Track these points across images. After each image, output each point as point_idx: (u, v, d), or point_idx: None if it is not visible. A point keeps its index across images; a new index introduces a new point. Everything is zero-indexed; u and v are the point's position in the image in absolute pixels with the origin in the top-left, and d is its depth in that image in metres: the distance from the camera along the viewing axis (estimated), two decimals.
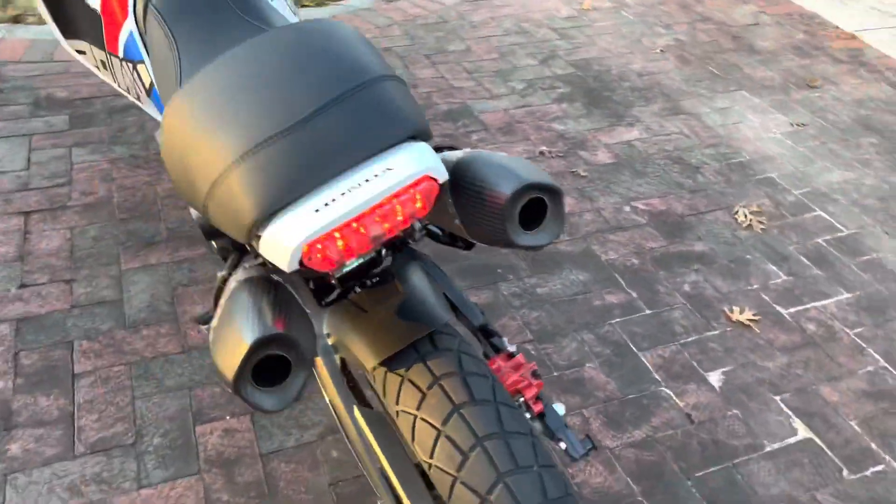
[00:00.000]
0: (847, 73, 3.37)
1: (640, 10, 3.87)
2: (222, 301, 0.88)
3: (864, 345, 1.99)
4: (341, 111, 0.79)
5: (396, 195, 0.77)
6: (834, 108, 3.09)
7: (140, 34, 1.25)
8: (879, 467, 1.67)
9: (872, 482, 1.64)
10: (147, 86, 1.28)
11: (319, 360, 1.19)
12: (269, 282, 0.87)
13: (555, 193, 0.84)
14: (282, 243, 0.76)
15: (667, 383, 1.84)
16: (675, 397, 1.80)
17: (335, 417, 1.23)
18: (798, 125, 2.96)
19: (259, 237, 0.80)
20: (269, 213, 0.77)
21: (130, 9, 1.24)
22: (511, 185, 0.81)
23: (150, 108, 1.36)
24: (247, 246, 1.06)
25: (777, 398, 1.82)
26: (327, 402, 1.39)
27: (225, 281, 1.19)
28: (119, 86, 1.41)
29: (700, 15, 3.87)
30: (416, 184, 0.79)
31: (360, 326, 1.08)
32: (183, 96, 0.87)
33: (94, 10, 1.34)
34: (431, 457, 1.01)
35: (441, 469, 1.00)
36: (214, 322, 0.86)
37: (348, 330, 1.10)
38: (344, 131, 0.78)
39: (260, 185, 0.76)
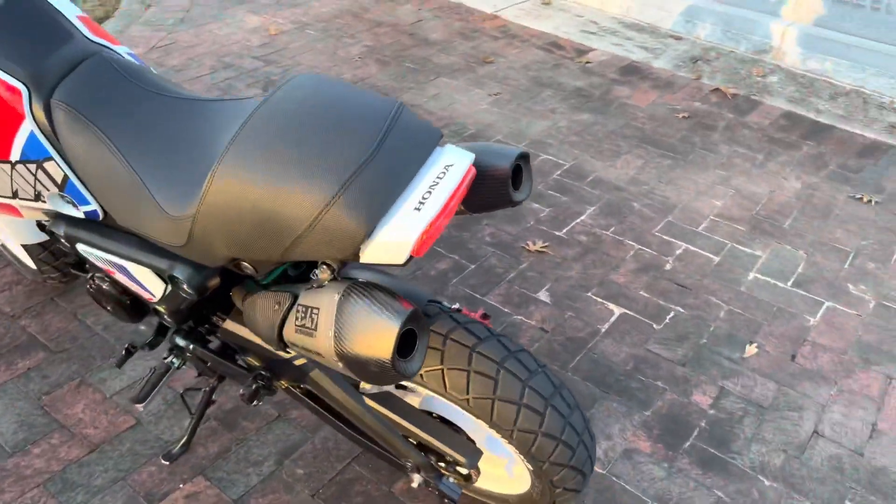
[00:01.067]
0: (505, 45, 4.13)
1: (322, 27, 4.23)
2: (326, 318, 1.03)
3: (620, 238, 2.64)
4: (395, 135, 1.02)
5: (461, 184, 1.02)
6: (511, 75, 3.80)
7: (43, 132, 1.24)
8: (672, 314, 2.30)
9: (674, 325, 2.26)
10: (60, 180, 1.27)
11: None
12: (358, 284, 1.05)
13: (527, 159, 1.15)
14: (399, 241, 0.96)
15: (515, 312, 2.26)
16: (525, 319, 2.23)
17: (343, 411, 1.40)
18: (494, 95, 3.60)
19: (360, 249, 0.98)
20: (375, 224, 0.96)
21: (26, 110, 1.22)
22: (508, 160, 1.11)
23: (56, 203, 1.33)
24: (242, 271, 1.18)
25: (590, 294, 2.36)
26: (310, 407, 1.54)
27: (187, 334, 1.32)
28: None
29: (373, 21, 4.35)
30: (468, 174, 1.04)
31: None
32: (235, 167, 1.00)
33: None
34: (468, 393, 1.28)
35: (479, 398, 1.27)
36: (329, 332, 1.02)
37: None
38: (403, 149, 1.01)
39: (364, 205, 0.95)
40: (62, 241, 1.41)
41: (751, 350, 2.16)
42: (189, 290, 1.25)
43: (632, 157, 3.13)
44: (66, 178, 1.27)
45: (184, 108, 1.26)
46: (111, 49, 1.36)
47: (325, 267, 1.07)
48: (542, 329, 2.20)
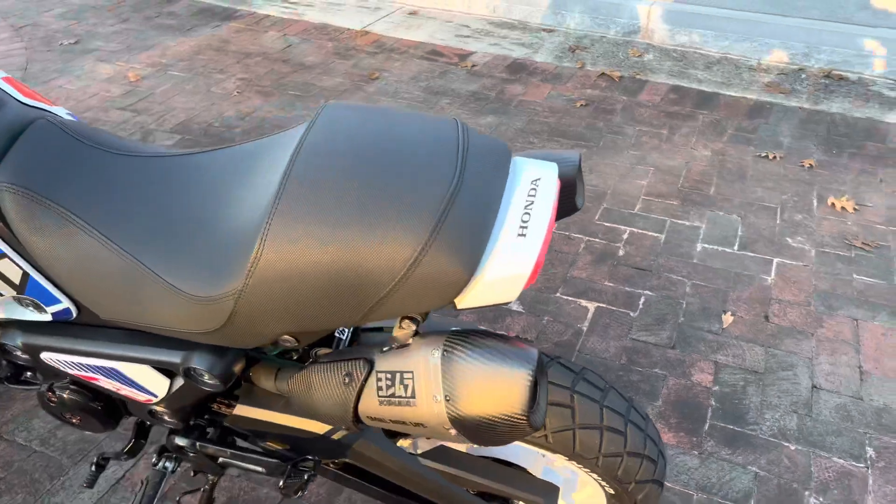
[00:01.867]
0: (386, 60, 4.01)
1: (185, 66, 3.92)
2: (426, 382, 0.87)
3: (566, 233, 2.60)
4: (472, 156, 0.87)
5: (556, 198, 0.90)
6: (402, 88, 3.69)
7: None
8: (643, 299, 2.28)
9: (648, 309, 2.24)
10: (18, 280, 1.01)
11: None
12: (456, 334, 0.90)
13: (579, 166, 1.05)
14: (513, 275, 0.82)
15: (493, 327, 2.15)
16: (507, 333, 2.13)
17: (396, 479, 1.23)
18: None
19: (462, 294, 0.84)
20: (478, 262, 0.82)
21: None
22: (572, 166, 1.00)
23: (12, 309, 1.07)
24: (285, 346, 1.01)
25: (559, 294, 2.29)
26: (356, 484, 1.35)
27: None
28: None
29: (240, 53, 4.09)
30: (558, 186, 0.92)
31: None
32: (289, 227, 0.82)
33: None
34: (545, 428, 1.16)
35: (558, 431, 1.15)
36: (435, 397, 0.86)
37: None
38: (483, 171, 0.87)
39: (464, 243, 0.81)
40: (16, 353, 1.15)
41: (728, 319, 2.18)
42: (212, 381, 1.04)
43: None
44: (25, 276, 1.02)
45: (167, 167, 1.04)
46: (50, 111, 1.11)
47: (408, 322, 0.91)
48: (526, 340, 2.11)
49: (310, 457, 1.18)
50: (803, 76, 3.74)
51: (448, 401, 0.86)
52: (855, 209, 2.70)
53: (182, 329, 0.97)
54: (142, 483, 1.33)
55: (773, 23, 3.87)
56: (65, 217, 0.98)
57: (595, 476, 1.23)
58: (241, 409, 1.21)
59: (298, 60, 4.00)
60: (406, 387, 0.89)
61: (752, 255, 2.47)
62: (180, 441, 1.25)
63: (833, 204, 2.73)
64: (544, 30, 4.38)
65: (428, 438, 1.09)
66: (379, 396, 0.91)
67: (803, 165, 2.99)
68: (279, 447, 1.25)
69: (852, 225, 2.61)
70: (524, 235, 0.84)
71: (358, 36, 4.32)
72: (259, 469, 1.25)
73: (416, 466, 1.23)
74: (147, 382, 1.10)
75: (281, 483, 1.29)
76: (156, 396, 1.13)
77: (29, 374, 1.42)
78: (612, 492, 1.26)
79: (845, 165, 2.99)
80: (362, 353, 0.96)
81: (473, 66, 3.92)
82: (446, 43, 4.22)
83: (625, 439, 1.18)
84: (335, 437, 1.20)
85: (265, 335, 0.94)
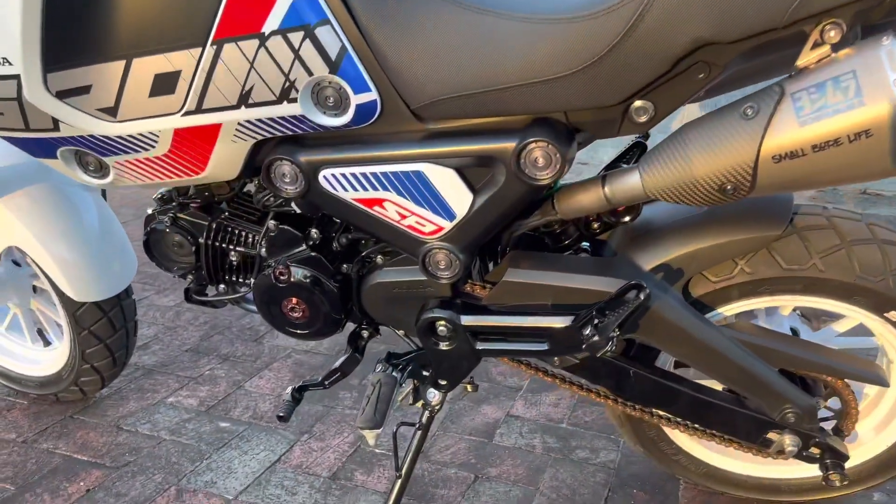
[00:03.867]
0: None
1: None
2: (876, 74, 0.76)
3: None
4: None
5: None
6: None
7: None
8: None
9: None
10: (335, 54, 0.89)
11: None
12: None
13: None
14: None
15: None
16: None
17: (700, 353, 1.05)
18: None
19: None
20: None
21: None
22: None
23: (307, 105, 0.93)
24: None
25: None
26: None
27: None
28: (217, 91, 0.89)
29: None
30: None
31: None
32: None
33: None
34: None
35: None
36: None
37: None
38: None
39: None
40: (290, 177, 1.00)
41: None
42: (546, 171, 0.90)
43: None
44: (343, 51, 0.92)
45: None
46: None
47: (829, 27, 0.80)
48: None
49: (596, 320, 0.99)
50: None
51: None
52: None
53: (539, 76, 0.86)
54: (372, 386, 1.11)
55: None
56: None
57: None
58: (515, 275, 1.05)
59: None
60: (846, 89, 0.77)
61: None
62: (439, 314, 1.07)
63: None
64: None
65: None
66: (800, 118, 0.79)
67: None
68: (551, 327, 1.06)
69: None
70: None
71: None
72: (536, 347, 1.06)
73: (723, 338, 1.04)
74: (448, 195, 0.96)
75: (556, 360, 1.09)
76: (450, 220, 0.98)
77: (219, 287, 1.24)
78: None
79: None
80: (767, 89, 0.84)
81: None
82: None
83: None
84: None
85: (664, 55, 0.81)
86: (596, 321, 0.99)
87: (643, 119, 0.90)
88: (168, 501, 1.30)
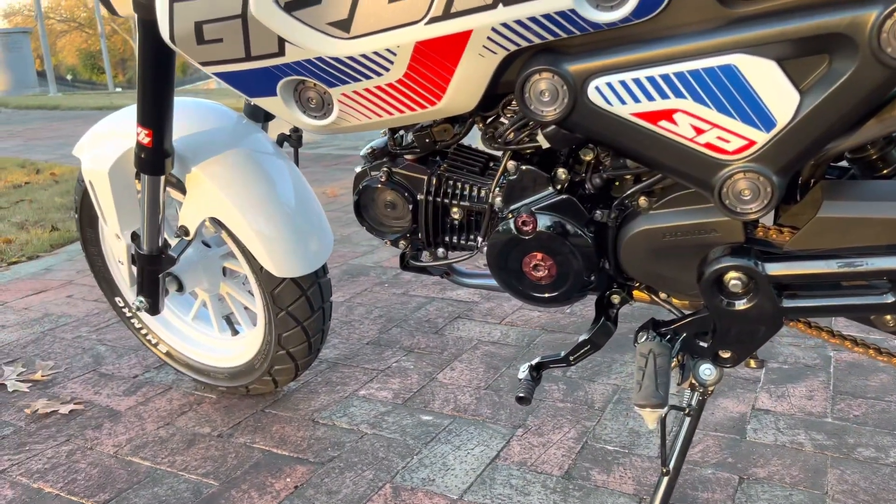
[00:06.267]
0: None
1: None
2: None
3: None
4: None
5: None
6: None
7: None
8: None
9: None
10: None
11: None
12: None
13: None
14: None
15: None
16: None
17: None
18: None
19: None
20: None
21: None
22: None
23: None
24: None
25: None
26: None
27: None
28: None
29: None
30: None
31: None
32: None
33: None
34: None
35: None
36: None
37: None
38: None
39: None
40: (556, 92, 0.82)
41: None
42: None
43: None
44: None
45: None
46: None
47: None
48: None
49: None
50: None
51: None
52: None
53: None
54: (644, 357, 0.90)
55: None
56: None
57: None
58: (833, 209, 0.82)
59: None
60: None
61: None
62: (735, 261, 0.85)
63: None
64: None
65: None
66: None
67: None
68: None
69: None
70: None
71: None
72: (874, 300, 0.82)
73: None
74: (768, 95, 0.75)
75: (892, 320, 0.85)
76: (767, 130, 0.76)
77: (437, 251, 1.07)
78: None
79: None
80: None
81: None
82: None
83: None
84: None
85: None
86: None
87: None
88: (385, 501, 1.14)
